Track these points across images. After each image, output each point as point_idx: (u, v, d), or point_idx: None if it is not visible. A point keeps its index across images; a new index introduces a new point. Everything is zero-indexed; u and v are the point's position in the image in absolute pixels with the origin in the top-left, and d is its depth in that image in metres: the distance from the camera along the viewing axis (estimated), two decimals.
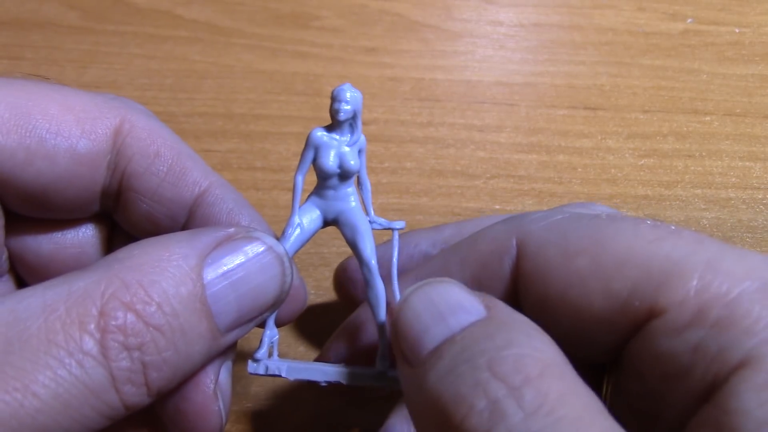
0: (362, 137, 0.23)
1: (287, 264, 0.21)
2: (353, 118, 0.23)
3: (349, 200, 0.23)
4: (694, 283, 0.18)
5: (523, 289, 0.22)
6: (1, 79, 0.21)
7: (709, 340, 0.17)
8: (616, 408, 0.23)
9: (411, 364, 0.19)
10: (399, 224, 0.24)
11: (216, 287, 0.19)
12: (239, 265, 0.20)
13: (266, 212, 0.36)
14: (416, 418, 0.19)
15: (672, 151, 0.41)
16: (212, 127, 0.40)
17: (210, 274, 0.19)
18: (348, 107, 0.22)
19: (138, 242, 0.19)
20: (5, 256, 0.23)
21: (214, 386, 0.21)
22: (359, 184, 0.24)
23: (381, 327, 0.23)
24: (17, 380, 0.15)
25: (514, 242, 0.22)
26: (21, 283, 0.25)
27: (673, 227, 0.20)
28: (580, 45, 0.46)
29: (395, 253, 0.24)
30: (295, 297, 0.24)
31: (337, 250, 0.35)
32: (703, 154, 0.41)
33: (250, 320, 0.20)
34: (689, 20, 0.48)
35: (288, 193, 0.38)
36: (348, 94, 0.22)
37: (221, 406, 0.21)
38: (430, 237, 0.28)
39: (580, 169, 0.40)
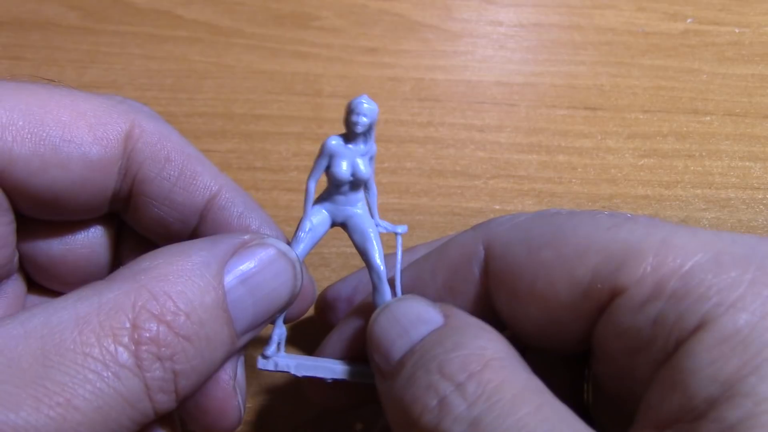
0: (374, 146, 0.24)
1: (299, 268, 0.22)
2: (368, 130, 0.23)
3: (357, 206, 0.24)
4: (651, 260, 0.19)
5: (494, 289, 0.23)
6: (11, 84, 0.22)
7: (667, 311, 0.18)
8: (596, 400, 0.23)
9: (383, 376, 0.21)
10: (402, 228, 0.25)
11: (235, 293, 0.20)
12: (255, 271, 0.20)
13: (266, 212, 0.36)
14: (391, 423, 0.21)
15: (672, 151, 0.41)
16: (212, 127, 0.40)
17: (229, 281, 0.20)
18: (366, 120, 0.23)
19: (159, 251, 0.20)
20: (16, 257, 0.24)
21: (233, 382, 0.22)
22: (366, 188, 0.25)
23: None
24: (59, 395, 0.16)
25: (482, 246, 0.23)
26: (30, 281, 0.25)
27: (629, 215, 0.21)
28: (580, 45, 0.46)
29: (399, 256, 0.25)
30: (304, 295, 0.25)
31: (337, 251, 0.35)
32: (703, 154, 0.41)
33: (264, 322, 0.21)
34: (689, 20, 0.48)
35: (288, 194, 0.38)
36: (366, 107, 0.23)
37: (240, 401, 0.22)
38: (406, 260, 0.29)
39: (580, 169, 0.40)
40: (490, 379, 0.18)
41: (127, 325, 0.17)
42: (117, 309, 0.17)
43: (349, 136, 0.23)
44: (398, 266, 0.24)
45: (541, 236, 0.21)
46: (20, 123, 0.21)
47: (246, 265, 0.20)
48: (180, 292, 0.18)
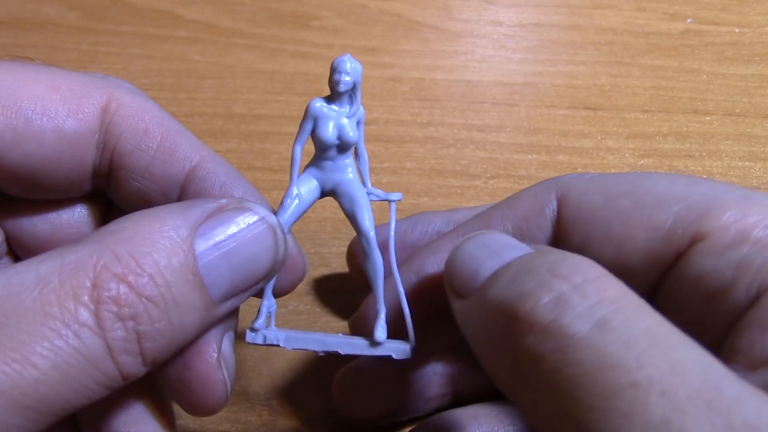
0: (361, 109, 0.23)
1: (280, 234, 0.21)
2: (353, 90, 0.22)
3: (347, 171, 0.24)
4: (734, 211, 0.19)
5: (566, 234, 0.22)
6: None
7: (752, 256, 0.18)
8: None
9: (467, 295, 0.20)
10: (396, 195, 0.24)
11: (208, 258, 0.19)
12: (231, 235, 0.20)
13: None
14: (477, 335, 0.19)
15: (672, 151, 0.41)
16: (212, 127, 0.40)
17: (201, 245, 0.19)
18: (348, 78, 0.22)
19: (129, 215, 0.19)
20: (2, 238, 0.23)
21: (218, 355, 0.21)
22: (357, 155, 0.24)
23: (378, 298, 0.23)
24: (15, 351, 0.16)
25: (554, 195, 0.23)
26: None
27: (706, 178, 0.22)
28: (580, 45, 0.46)
29: (392, 224, 0.24)
30: (293, 267, 0.24)
31: (337, 250, 0.35)
32: (703, 154, 0.41)
33: (243, 291, 0.21)
34: (689, 20, 0.48)
35: None
36: (348, 65, 0.22)
37: (225, 375, 0.21)
38: (445, 217, 0.28)
39: (580, 169, 0.40)
40: (609, 287, 0.17)
41: (88, 284, 0.17)
42: (78, 269, 0.17)
43: (333, 96, 0.23)
44: (392, 233, 0.24)
45: (619, 187, 0.21)
46: None
47: (220, 230, 0.20)
48: (144, 253, 0.18)
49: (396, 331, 0.24)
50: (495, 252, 0.20)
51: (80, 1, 0.45)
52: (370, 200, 0.24)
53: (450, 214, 0.29)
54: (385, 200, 0.24)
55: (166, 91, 0.42)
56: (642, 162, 0.40)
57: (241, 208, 0.20)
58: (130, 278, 0.17)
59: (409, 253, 0.28)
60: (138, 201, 0.24)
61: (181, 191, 0.24)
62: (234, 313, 0.22)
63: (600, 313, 0.16)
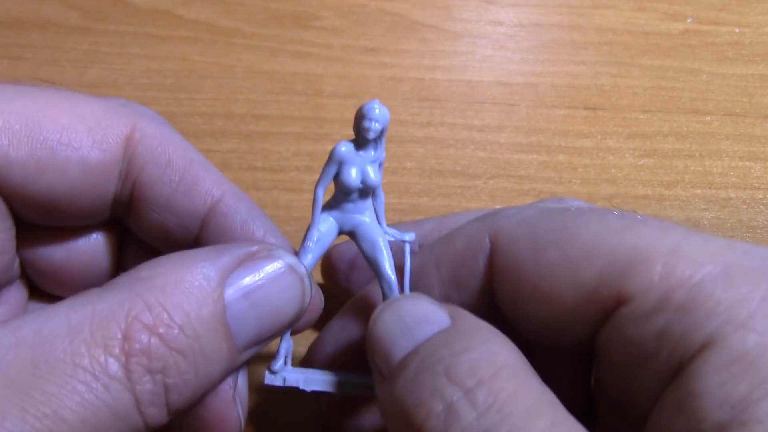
0: (383, 153, 0.23)
1: (307, 283, 0.21)
2: (380, 135, 0.22)
3: (366, 213, 0.24)
4: (659, 269, 0.18)
5: (497, 285, 0.22)
6: (10, 87, 0.21)
7: (673, 325, 0.18)
8: (597, 396, 0.23)
9: (383, 375, 0.20)
10: (410, 236, 0.24)
11: (236, 307, 0.19)
12: (260, 285, 0.20)
13: (266, 212, 0.36)
14: (389, 425, 0.20)
15: (672, 151, 0.41)
16: (212, 127, 0.40)
17: (231, 294, 0.19)
18: (378, 126, 0.22)
19: (160, 259, 0.19)
20: (17, 263, 0.23)
21: (233, 392, 0.21)
22: (374, 195, 0.24)
23: None
24: (46, 406, 0.15)
25: (487, 240, 0.22)
26: (32, 287, 0.25)
27: (639, 216, 0.20)
28: (580, 45, 0.46)
29: (407, 264, 0.24)
30: (312, 307, 0.24)
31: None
32: (703, 154, 0.41)
33: (268, 338, 0.21)
34: (689, 20, 0.48)
35: (288, 194, 0.38)
36: (378, 111, 0.22)
37: (240, 412, 0.22)
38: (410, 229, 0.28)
39: (580, 169, 0.40)
40: (501, 387, 0.17)
41: (119, 335, 0.17)
42: (110, 319, 0.17)
43: (360, 142, 0.23)
44: (407, 274, 0.24)
45: (548, 234, 0.21)
46: (17, 126, 0.20)
47: (250, 278, 0.19)
48: (176, 304, 0.18)
49: None
50: (408, 328, 0.20)
51: (80, 1, 0.45)
52: (387, 240, 0.24)
53: (416, 227, 0.28)
54: (400, 241, 0.24)
55: (166, 91, 0.42)
56: (642, 162, 0.40)
57: (271, 256, 0.20)
58: (161, 330, 0.17)
59: (346, 273, 0.29)
60: (157, 232, 0.24)
61: (201, 226, 0.24)
62: None
63: (486, 424, 0.16)
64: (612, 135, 0.41)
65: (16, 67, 0.42)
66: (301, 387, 0.23)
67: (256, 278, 0.20)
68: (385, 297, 0.23)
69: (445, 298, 0.24)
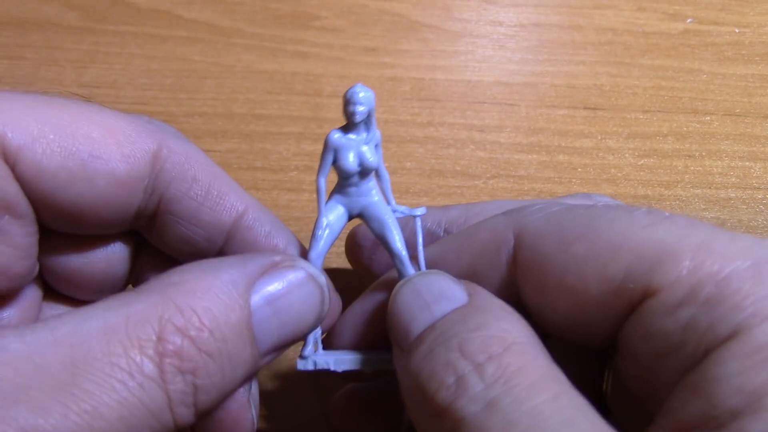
0: (377, 132, 0.24)
1: (326, 292, 0.22)
2: (368, 117, 0.23)
3: (371, 194, 0.24)
4: (687, 263, 0.18)
5: (522, 279, 0.22)
6: (44, 97, 0.22)
7: (699, 317, 0.18)
8: (615, 393, 0.23)
9: (402, 349, 0.21)
10: (420, 210, 0.25)
11: (261, 313, 0.20)
12: (283, 293, 0.21)
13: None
14: (405, 398, 0.20)
15: (672, 151, 0.41)
16: (212, 127, 0.40)
17: (256, 300, 0.20)
18: (363, 108, 0.22)
19: (189, 266, 0.20)
20: (37, 267, 0.24)
21: (248, 395, 0.22)
22: (378, 176, 0.25)
23: None
24: (86, 402, 0.16)
25: (512, 234, 0.23)
26: (47, 288, 0.25)
27: (667, 214, 0.20)
28: (580, 45, 0.46)
29: (420, 239, 0.24)
30: (330, 312, 0.25)
31: (337, 250, 0.35)
32: (703, 154, 0.41)
33: (288, 344, 0.22)
34: (689, 20, 0.48)
35: (288, 193, 0.38)
36: (361, 95, 0.22)
37: (253, 414, 0.22)
38: (437, 216, 0.28)
39: (580, 169, 0.40)
40: (510, 362, 0.18)
41: (153, 337, 0.18)
42: (144, 321, 0.18)
43: (350, 126, 0.23)
44: (420, 248, 0.24)
45: (574, 229, 0.21)
46: (51, 136, 0.21)
47: (274, 286, 0.21)
48: (206, 308, 0.19)
49: None
50: (427, 304, 0.21)
51: (80, 1, 0.45)
52: (396, 217, 0.24)
53: (443, 212, 0.28)
54: (410, 216, 0.25)
55: (166, 91, 0.42)
56: (642, 162, 0.40)
57: (293, 267, 0.22)
58: (192, 333, 0.18)
59: (370, 251, 0.29)
60: (181, 244, 0.25)
61: (227, 238, 0.25)
62: None
63: (491, 395, 0.17)
64: (612, 135, 0.41)
65: (16, 67, 0.42)
66: (332, 368, 0.24)
67: (280, 287, 0.21)
68: (399, 273, 0.24)
69: None
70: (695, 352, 0.18)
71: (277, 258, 0.22)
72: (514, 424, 0.16)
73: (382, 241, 0.24)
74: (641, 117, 0.42)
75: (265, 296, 0.20)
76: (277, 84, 0.42)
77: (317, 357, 0.24)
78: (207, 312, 0.19)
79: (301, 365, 0.24)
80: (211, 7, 0.46)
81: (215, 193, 0.24)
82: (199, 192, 0.24)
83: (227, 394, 0.20)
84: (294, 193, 0.38)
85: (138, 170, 0.23)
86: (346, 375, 0.25)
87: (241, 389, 0.22)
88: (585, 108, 0.43)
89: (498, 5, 0.48)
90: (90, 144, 0.22)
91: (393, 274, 0.26)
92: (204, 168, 0.24)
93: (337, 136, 0.23)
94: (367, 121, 0.23)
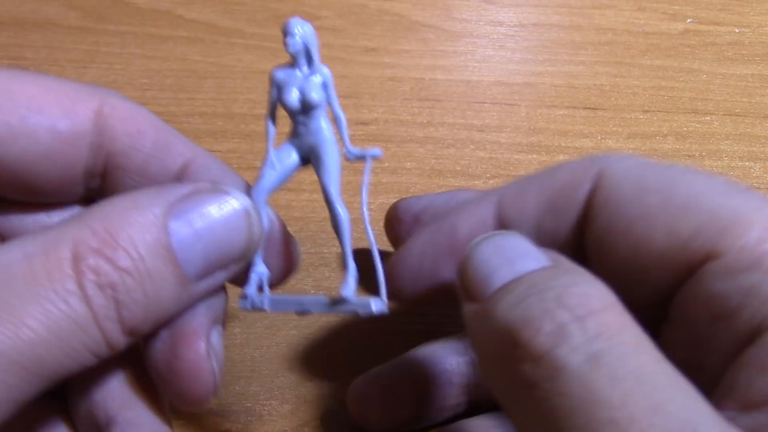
0: (325, 70, 0.23)
1: (254, 215, 0.22)
2: (308, 52, 0.23)
3: (321, 134, 0.24)
4: (756, 233, 0.18)
5: (591, 219, 0.22)
6: None
7: (762, 284, 0.18)
8: None
9: (477, 300, 0.20)
10: (374, 151, 0.24)
11: (181, 236, 0.20)
12: (204, 215, 0.21)
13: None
14: (481, 347, 0.20)
15: (672, 151, 0.41)
16: (212, 127, 0.40)
17: (175, 223, 0.20)
18: (297, 40, 0.23)
19: (109, 198, 0.21)
20: None
21: (206, 346, 0.22)
22: (334, 118, 0.24)
23: (346, 254, 0.24)
24: (11, 315, 0.17)
25: (593, 174, 0.23)
26: None
27: (745, 187, 0.21)
28: (580, 45, 0.46)
29: (366, 180, 0.24)
30: (286, 256, 0.25)
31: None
32: (703, 154, 0.41)
33: (219, 269, 0.22)
34: (689, 20, 0.48)
35: (288, 193, 0.38)
36: (296, 28, 0.23)
37: (214, 365, 0.22)
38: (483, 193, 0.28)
39: None
40: (611, 321, 0.17)
41: (68, 255, 0.18)
42: (59, 243, 0.18)
43: (292, 62, 0.23)
44: (364, 191, 0.24)
45: (654, 181, 0.21)
46: None
47: (193, 209, 0.21)
48: (119, 228, 0.19)
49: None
50: (510, 260, 0.20)
51: (80, 1, 0.45)
52: (349, 160, 0.24)
53: (428, 200, 0.29)
54: (362, 156, 0.24)
55: (166, 91, 0.42)
56: None
57: (214, 190, 0.21)
58: (106, 251, 0.19)
59: (410, 225, 0.29)
60: None
61: None
62: (222, 307, 0.24)
63: (595, 348, 0.16)
64: (612, 135, 0.41)
65: (16, 66, 0.42)
66: (266, 308, 0.24)
67: (200, 209, 0.21)
68: (331, 214, 0.24)
69: (537, 225, 0.23)
70: (753, 319, 0.18)
71: (198, 184, 0.22)
72: (621, 380, 0.16)
73: (320, 180, 0.24)
74: (641, 117, 0.42)
75: (184, 218, 0.20)
76: None
77: (255, 297, 0.24)
78: (120, 232, 0.19)
79: (241, 304, 0.24)
80: (211, 7, 0.46)
81: (162, 144, 0.24)
82: (146, 143, 0.24)
83: (159, 316, 0.20)
84: (294, 193, 0.38)
85: (80, 125, 0.23)
86: (301, 313, 0.24)
87: (198, 340, 0.22)
88: (585, 108, 0.43)
89: (498, 5, 0.48)
90: (29, 100, 0.22)
91: (455, 218, 0.25)
92: (149, 121, 0.24)
93: (278, 71, 0.23)
94: (309, 57, 0.23)
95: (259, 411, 0.30)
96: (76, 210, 0.25)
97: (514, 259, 0.20)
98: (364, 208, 0.24)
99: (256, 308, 0.24)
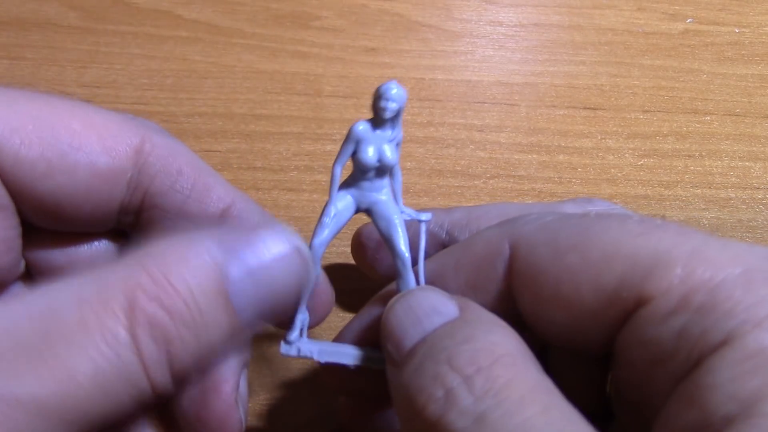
0: (401, 132, 0.24)
1: (309, 261, 0.22)
2: (396, 115, 0.23)
3: (382, 192, 0.24)
4: (679, 271, 0.18)
5: (517, 289, 0.22)
6: (25, 92, 0.22)
7: (692, 324, 0.18)
8: (614, 398, 0.23)
9: (394, 364, 0.21)
10: (426, 216, 0.25)
11: (238, 282, 0.19)
12: (262, 261, 0.20)
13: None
14: (397, 411, 0.20)
15: (672, 151, 0.41)
16: (212, 127, 0.40)
17: (233, 268, 0.19)
18: (394, 105, 0.22)
19: (164, 237, 0.20)
20: (23, 263, 0.24)
21: (235, 394, 0.22)
22: (391, 174, 0.24)
23: None
24: (61, 369, 0.16)
25: (507, 245, 0.23)
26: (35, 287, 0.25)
27: (659, 221, 0.21)
28: (580, 45, 0.46)
29: (422, 244, 0.24)
30: (322, 301, 0.25)
31: (337, 250, 0.35)
32: (703, 154, 0.41)
33: (269, 315, 0.21)
34: (689, 20, 0.48)
35: (288, 193, 0.38)
36: (394, 92, 0.22)
37: (242, 413, 0.22)
38: (439, 219, 0.29)
39: (580, 169, 0.40)
40: (499, 375, 0.18)
41: (124, 304, 0.18)
42: (116, 289, 0.18)
43: (377, 121, 0.23)
44: (422, 254, 0.24)
45: (568, 239, 0.21)
46: (30, 127, 0.21)
47: (252, 254, 0.20)
48: (179, 275, 0.18)
49: None
50: (419, 318, 0.21)
51: (80, 1, 0.45)
52: (402, 218, 0.24)
53: (446, 215, 0.29)
54: (416, 220, 0.25)
55: (166, 91, 0.42)
56: (642, 162, 0.40)
57: (272, 234, 0.21)
58: (164, 299, 0.18)
59: (373, 252, 0.29)
60: None
61: None
62: (247, 349, 0.23)
63: (481, 408, 0.17)
64: (612, 135, 0.41)
65: (16, 67, 0.42)
66: (315, 358, 0.24)
67: (258, 254, 0.20)
68: (399, 273, 0.24)
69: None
70: (688, 359, 0.18)
71: (259, 228, 0.21)
72: None
73: (387, 241, 0.24)
74: (641, 117, 0.42)
75: (242, 263, 0.20)
76: (277, 84, 0.42)
77: (302, 344, 0.24)
78: (180, 279, 0.18)
79: (285, 350, 0.24)
80: (211, 7, 0.46)
81: (201, 186, 0.24)
82: (185, 185, 0.24)
83: (206, 362, 0.20)
84: (294, 193, 0.38)
85: (120, 163, 0.22)
86: (356, 367, 0.25)
87: (228, 389, 0.21)
88: (585, 108, 0.43)
89: (498, 5, 0.48)
90: (70, 136, 0.21)
91: (391, 288, 0.26)
92: (189, 161, 0.24)
93: (362, 128, 0.23)
94: (395, 119, 0.23)
95: (260, 411, 0.30)
96: (104, 243, 0.25)
97: (422, 317, 0.21)
98: (422, 272, 0.24)
99: (304, 356, 0.24)
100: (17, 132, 0.21)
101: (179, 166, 0.24)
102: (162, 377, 0.18)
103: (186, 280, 0.18)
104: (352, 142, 0.23)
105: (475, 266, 0.23)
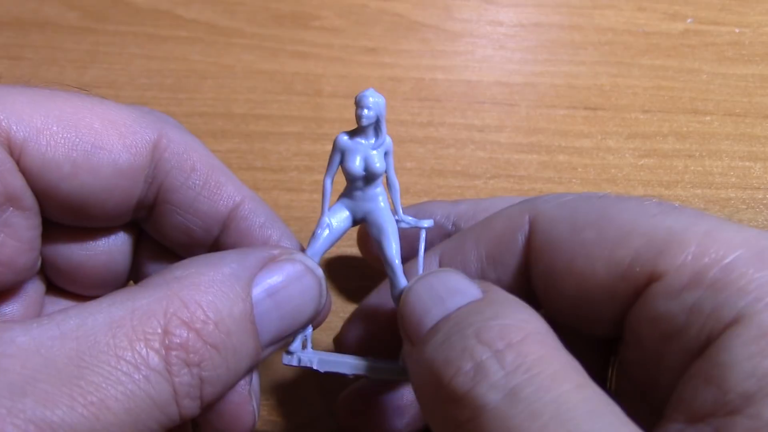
0: (388, 139, 0.24)
1: (324, 285, 0.23)
2: (377, 122, 0.23)
3: (377, 201, 0.24)
4: (692, 249, 0.19)
5: (533, 263, 0.23)
6: (46, 91, 0.22)
7: (704, 301, 0.18)
8: (620, 388, 0.24)
9: (413, 342, 0.21)
10: (427, 222, 0.25)
11: (262, 306, 0.20)
12: (283, 285, 0.21)
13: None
14: (417, 390, 0.20)
15: (672, 151, 0.41)
16: (212, 127, 0.40)
17: (257, 293, 0.20)
18: (370, 113, 0.23)
19: (192, 260, 0.21)
20: (40, 261, 0.24)
21: (249, 387, 0.22)
22: (388, 184, 0.25)
23: None
24: (93, 395, 0.16)
25: (527, 220, 0.23)
26: (49, 283, 0.25)
27: (676, 205, 0.21)
28: (580, 45, 0.46)
29: (421, 250, 0.24)
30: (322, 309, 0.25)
31: (338, 250, 0.35)
32: (703, 154, 0.41)
33: (288, 335, 0.22)
34: (689, 20, 0.48)
35: (288, 193, 0.38)
36: (370, 100, 0.23)
37: (255, 406, 0.23)
38: (446, 210, 0.29)
39: (580, 169, 0.40)
40: (530, 351, 0.17)
41: (159, 330, 0.18)
42: (149, 314, 0.18)
43: (359, 130, 0.23)
44: (420, 260, 0.24)
45: (586, 216, 0.21)
46: (54, 128, 0.21)
47: (274, 279, 0.21)
48: (210, 302, 0.19)
49: None
50: (441, 298, 0.21)
51: (80, 1, 0.45)
52: (401, 228, 0.24)
53: (452, 206, 0.29)
54: (416, 227, 0.25)
55: (166, 91, 0.42)
56: (642, 162, 0.40)
57: (292, 260, 0.22)
58: (198, 326, 0.19)
59: (404, 243, 0.29)
60: (177, 234, 0.25)
61: (222, 228, 0.25)
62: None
63: (513, 383, 0.17)
64: (612, 135, 0.41)
65: (16, 67, 0.42)
66: (315, 367, 0.24)
67: (279, 279, 0.21)
68: (391, 283, 0.24)
69: (481, 276, 0.24)
70: (700, 335, 0.18)
71: (275, 251, 0.22)
72: (539, 414, 0.16)
73: (378, 248, 0.24)
74: (641, 117, 0.42)
75: (265, 289, 0.21)
76: (277, 84, 0.42)
77: (303, 354, 0.24)
78: (211, 305, 0.19)
79: (286, 360, 0.24)
80: (211, 7, 0.46)
81: (213, 183, 0.24)
82: (197, 182, 0.24)
83: (231, 386, 0.21)
84: (294, 193, 0.38)
85: (140, 160, 0.23)
86: (355, 377, 0.25)
87: (243, 382, 0.22)
88: (585, 108, 0.43)
89: (498, 5, 0.48)
90: (93, 135, 0.22)
91: (369, 302, 0.26)
92: (202, 158, 0.24)
93: (345, 138, 0.23)
94: (377, 126, 0.23)
95: (260, 412, 0.30)
96: (118, 238, 0.25)
97: (445, 296, 0.21)
98: (420, 269, 0.24)
99: (304, 366, 0.24)
100: (42, 133, 0.21)
101: (193, 163, 0.24)
102: (191, 403, 0.19)
103: (216, 305, 0.19)
104: (337, 153, 0.24)
105: (496, 239, 0.24)
